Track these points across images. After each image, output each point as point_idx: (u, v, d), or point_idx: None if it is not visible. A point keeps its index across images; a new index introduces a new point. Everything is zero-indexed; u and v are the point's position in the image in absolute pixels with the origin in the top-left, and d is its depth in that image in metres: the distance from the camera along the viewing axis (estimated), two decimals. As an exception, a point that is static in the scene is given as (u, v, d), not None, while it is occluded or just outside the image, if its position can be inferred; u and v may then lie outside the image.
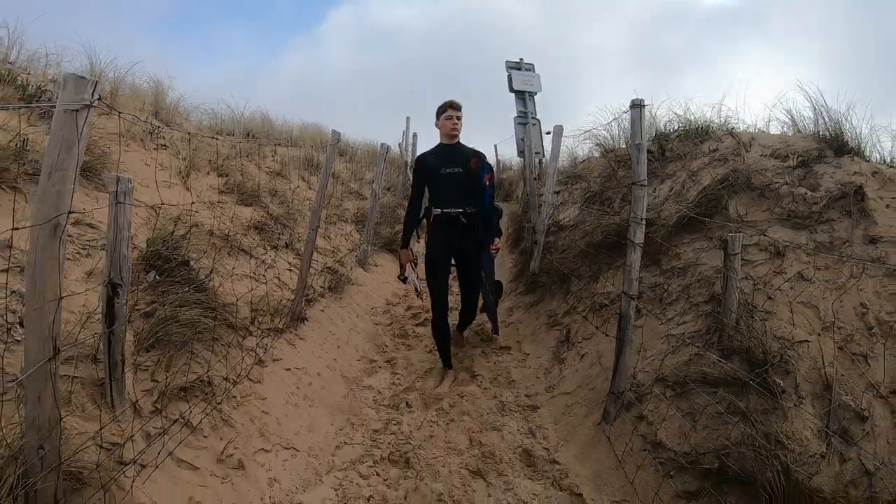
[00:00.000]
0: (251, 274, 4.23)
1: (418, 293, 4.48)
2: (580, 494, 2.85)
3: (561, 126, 6.18)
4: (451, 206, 4.17)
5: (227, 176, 5.59)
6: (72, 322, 2.38)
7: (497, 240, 4.31)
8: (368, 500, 2.72)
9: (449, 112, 4.18)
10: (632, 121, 3.28)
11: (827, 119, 4.43)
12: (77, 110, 1.62)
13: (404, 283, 4.34)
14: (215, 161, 5.65)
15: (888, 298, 2.91)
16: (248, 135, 7.61)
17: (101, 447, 2.08)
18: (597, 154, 7.10)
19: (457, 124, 4.19)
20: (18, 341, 2.19)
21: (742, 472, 2.44)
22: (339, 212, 7.60)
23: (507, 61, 10.03)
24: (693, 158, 5.03)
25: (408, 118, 12.37)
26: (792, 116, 4.89)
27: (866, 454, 2.31)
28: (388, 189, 10.12)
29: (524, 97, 9.70)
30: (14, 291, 2.37)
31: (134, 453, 2.19)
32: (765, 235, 3.67)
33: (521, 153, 9.49)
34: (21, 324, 2.24)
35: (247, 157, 6.65)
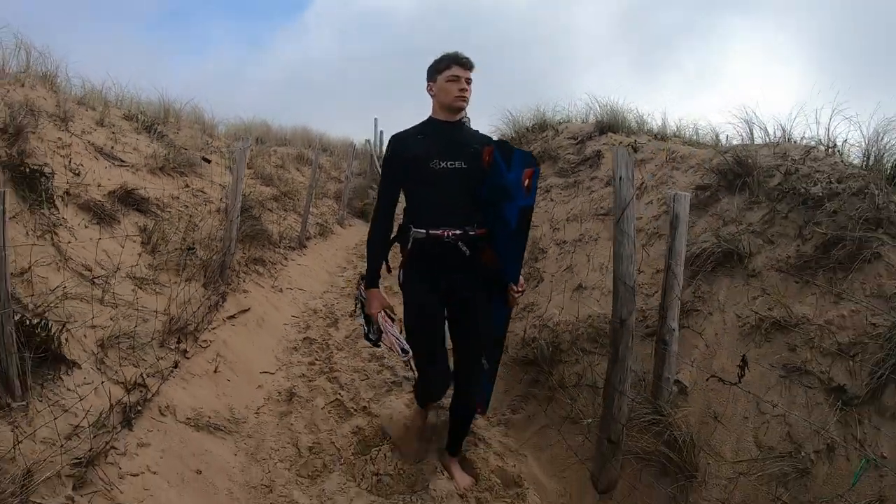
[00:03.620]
0: (275, 222, 7.59)
1: (408, 359, 2.95)
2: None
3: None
4: (444, 223, 2.70)
5: (252, 168, 8.97)
6: (214, 227, 5.69)
7: (521, 280, 2.90)
8: (336, 304, 6.12)
9: (455, 70, 2.69)
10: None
11: (597, 109, 7.68)
12: (245, 148, 5.01)
13: (374, 345, 2.97)
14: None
15: (585, 204, 6.17)
16: (257, 140, 10.95)
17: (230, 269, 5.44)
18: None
19: (466, 90, 2.71)
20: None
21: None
22: (324, 191, 11.05)
23: None
24: (533, 143, 8.40)
25: (375, 119, 15.75)
26: (613, 108, 8.07)
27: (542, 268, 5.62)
28: (360, 175, 13.53)
29: None
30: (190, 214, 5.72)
31: (238, 276, 5.54)
32: (546, 181, 7.05)
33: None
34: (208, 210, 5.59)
35: (259, 156, 10.03)
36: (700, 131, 6.55)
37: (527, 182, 2.73)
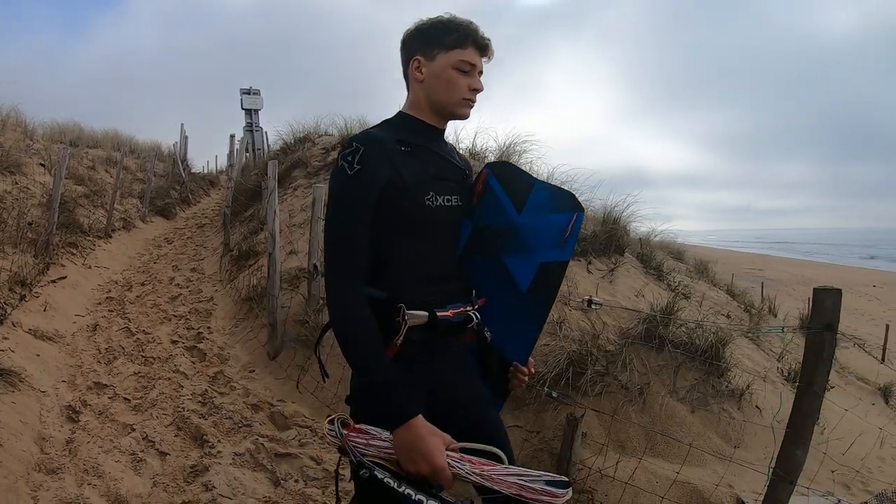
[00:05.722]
0: (86, 215, 9.60)
1: None
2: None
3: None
4: (449, 298, 1.71)
5: (68, 169, 10.80)
6: (38, 215, 7.70)
7: (531, 360, 1.93)
8: (133, 277, 8.36)
9: (470, 54, 1.64)
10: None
11: (342, 123, 10.43)
12: (66, 154, 7.15)
13: None
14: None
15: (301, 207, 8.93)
16: (70, 143, 12.61)
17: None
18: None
19: (480, 90, 1.69)
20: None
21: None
22: (129, 190, 12.98)
23: (241, 88, 15.77)
24: (296, 152, 11.03)
25: (182, 124, 17.55)
26: (362, 122, 11.00)
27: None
28: (164, 176, 15.43)
29: (251, 113, 15.51)
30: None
31: (58, 254, 7.64)
32: (296, 182, 9.70)
33: (247, 151, 15.44)
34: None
35: (72, 157, 11.80)
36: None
37: (568, 235, 1.81)
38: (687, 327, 4.35)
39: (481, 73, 1.69)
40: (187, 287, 7.94)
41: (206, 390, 4.76)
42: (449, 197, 1.70)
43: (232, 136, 13.10)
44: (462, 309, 1.72)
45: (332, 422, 1.52)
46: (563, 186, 1.92)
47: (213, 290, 7.67)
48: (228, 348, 5.79)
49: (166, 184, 14.94)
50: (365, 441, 1.47)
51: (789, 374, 5.05)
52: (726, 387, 4.16)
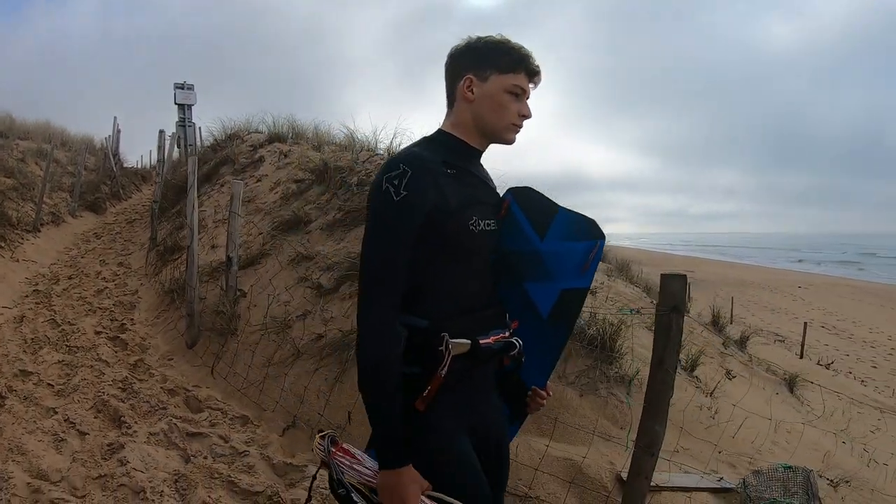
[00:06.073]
0: (14, 208, 9.76)
1: None
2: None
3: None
4: (488, 324, 1.69)
5: (-4, 161, 10.94)
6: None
7: (549, 383, 1.94)
8: (60, 272, 8.63)
9: (522, 79, 1.65)
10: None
11: (270, 122, 10.88)
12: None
13: None
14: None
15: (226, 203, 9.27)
16: (1, 134, 12.65)
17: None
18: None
19: (529, 115, 1.70)
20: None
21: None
22: (60, 184, 13.09)
23: (174, 83, 15.89)
24: (225, 149, 11.29)
25: (115, 117, 17.54)
26: (291, 122, 11.18)
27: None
28: (94, 171, 15.49)
29: (184, 108, 15.67)
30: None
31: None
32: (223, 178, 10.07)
33: (179, 146, 15.61)
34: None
35: (2, 149, 11.88)
36: (358, 140, 8.54)
37: (591, 260, 1.83)
38: (580, 317, 4.69)
39: (528, 98, 1.69)
40: (113, 281, 8.27)
41: (126, 377, 5.15)
42: (489, 221, 1.68)
43: (161, 132, 13.23)
44: (502, 335, 1.70)
45: (323, 437, 1.57)
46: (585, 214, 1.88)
47: (139, 283, 8.03)
48: (150, 338, 6.19)
49: (97, 178, 15.03)
50: (349, 463, 1.54)
51: (686, 362, 5.61)
52: (615, 373, 4.60)
